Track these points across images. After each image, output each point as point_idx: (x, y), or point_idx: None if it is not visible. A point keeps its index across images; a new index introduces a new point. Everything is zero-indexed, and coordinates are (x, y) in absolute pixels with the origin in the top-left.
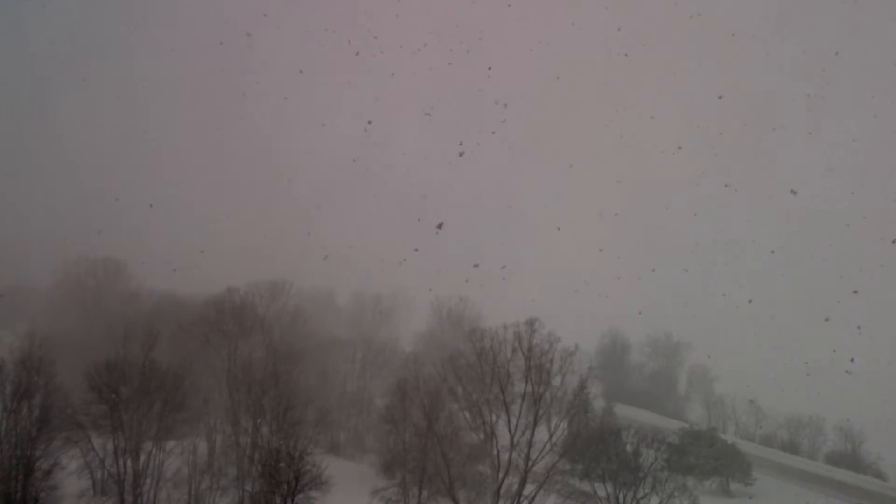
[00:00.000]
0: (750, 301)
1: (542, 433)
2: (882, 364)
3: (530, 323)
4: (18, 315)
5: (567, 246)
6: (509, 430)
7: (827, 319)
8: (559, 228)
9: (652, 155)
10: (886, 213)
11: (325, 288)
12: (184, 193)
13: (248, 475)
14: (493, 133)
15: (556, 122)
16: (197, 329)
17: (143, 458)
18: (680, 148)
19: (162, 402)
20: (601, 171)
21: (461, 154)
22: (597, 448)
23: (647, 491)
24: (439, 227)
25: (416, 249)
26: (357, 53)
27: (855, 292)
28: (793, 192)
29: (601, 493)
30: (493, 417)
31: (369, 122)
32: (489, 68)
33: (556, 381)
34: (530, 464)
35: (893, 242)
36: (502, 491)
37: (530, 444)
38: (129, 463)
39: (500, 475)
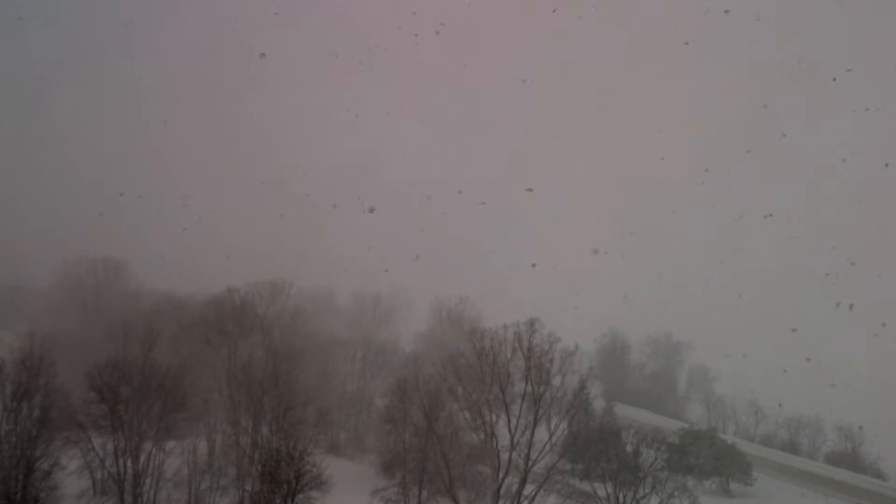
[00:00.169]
0: (740, 296)
1: (542, 433)
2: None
3: (530, 323)
4: (18, 315)
5: (567, 246)
6: (509, 430)
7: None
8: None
9: (653, 155)
10: (886, 213)
11: (325, 288)
12: (184, 193)
13: (248, 475)
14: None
15: (556, 122)
16: (197, 329)
17: (143, 458)
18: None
19: (162, 402)
20: (601, 172)
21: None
22: (597, 448)
23: (647, 491)
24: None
25: (418, 257)
26: (371, 47)
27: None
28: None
29: (601, 493)
30: (493, 417)
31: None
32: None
33: (556, 381)
34: (530, 464)
35: None
36: (502, 491)
37: (530, 444)
38: (129, 463)
39: (500, 475)
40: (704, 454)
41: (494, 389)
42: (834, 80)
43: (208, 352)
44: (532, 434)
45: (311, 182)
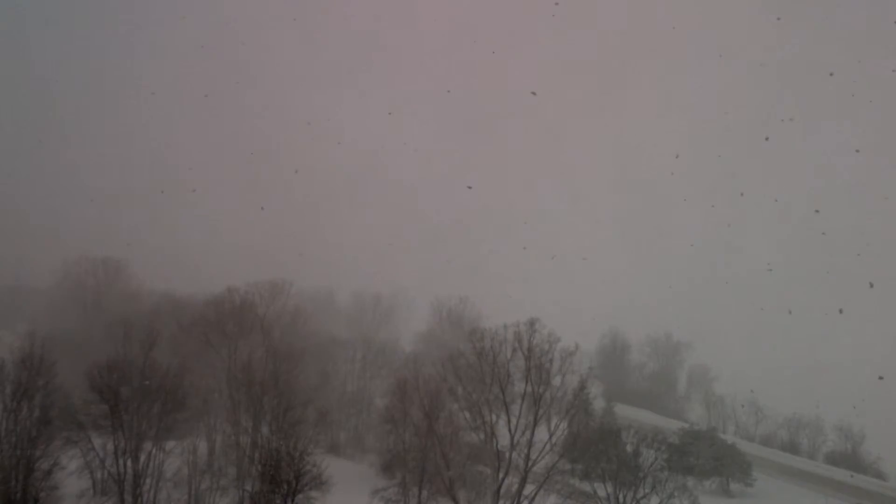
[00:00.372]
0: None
1: (542, 433)
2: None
3: (530, 323)
4: (18, 315)
5: (567, 246)
6: (509, 430)
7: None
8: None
9: (653, 155)
10: (888, 210)
11: (325, 288)
12: (184, 193)
13: (248, 475)
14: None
15: (557, 122)
16: (197, 329)
17: (143, 458)
18: (677, 156)
19: (162, 402)
20: (601, 172)
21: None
22: (597, 448)
23: (647, 491)
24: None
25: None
26: (372, 48)
27: (871, 285)
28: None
29: (601, 493)
30: (493, 417)
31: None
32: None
33: (556, 381)
34: (530, 464)
35: None
36: (502, 491)
37: (530, 444)
38: (129, 463)
39: (500, 475)
40: (704, 454)
41: (494, 389)
42: (831, 74)
43: (208, 352)
44: (532, 434)
45: (311, 182)
